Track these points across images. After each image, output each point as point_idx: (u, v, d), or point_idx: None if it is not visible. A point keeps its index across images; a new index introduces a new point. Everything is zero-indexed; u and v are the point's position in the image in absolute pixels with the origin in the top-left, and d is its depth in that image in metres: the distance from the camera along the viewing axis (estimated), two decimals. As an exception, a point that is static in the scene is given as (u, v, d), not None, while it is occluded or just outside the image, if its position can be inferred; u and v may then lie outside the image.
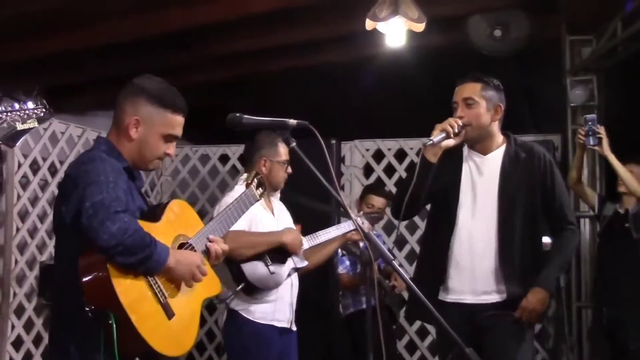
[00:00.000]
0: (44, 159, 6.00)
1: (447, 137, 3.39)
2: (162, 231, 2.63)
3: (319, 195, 5.85)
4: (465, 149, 3.58)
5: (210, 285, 2.86)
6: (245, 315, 3.85)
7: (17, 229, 5.75)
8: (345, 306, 5.38)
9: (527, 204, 3.49)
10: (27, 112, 2.01)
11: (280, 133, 2.74)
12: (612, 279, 3.51)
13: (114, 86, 6.62)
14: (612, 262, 3.36)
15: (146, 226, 2.52)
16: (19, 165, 5.77)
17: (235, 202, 3.10)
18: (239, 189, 3.82)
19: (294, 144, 2.72)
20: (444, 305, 3.39)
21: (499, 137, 3.58)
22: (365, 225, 4.27)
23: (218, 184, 6.95)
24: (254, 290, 3.82)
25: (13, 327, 5.70)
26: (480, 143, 3.55)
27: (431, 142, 3.37)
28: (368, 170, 6.64)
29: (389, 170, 6.55)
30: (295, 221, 4.16)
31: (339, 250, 5.19)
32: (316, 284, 5.66)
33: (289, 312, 3.97)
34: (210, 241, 2.83)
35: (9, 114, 1.94)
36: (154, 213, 2.70)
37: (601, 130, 4.73)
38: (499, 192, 3.48)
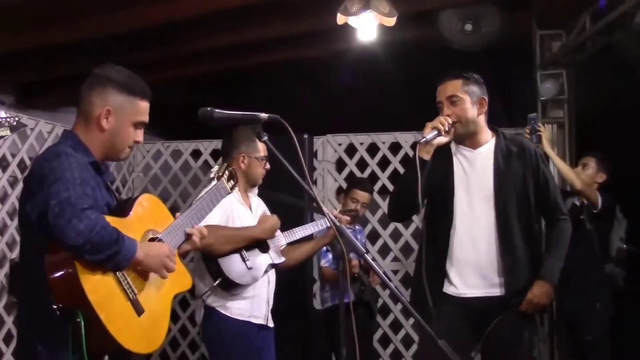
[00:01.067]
0: (13, 155, 5.93)
1: (439, 134, 3.40)
2: (130, 226, 2.60)
3: (292, 190, 5.84)
4: (453, 145, 3.59)
5: (180, 280, 2.84)
6: (222, 312, 3.82)
7: (-13, 227, 5.66)
8: (324, 300, 5.36)
9: (521, 196, 3.52)
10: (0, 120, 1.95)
11: (252, 127, 2.72)
12: (570, 270, 3.62)
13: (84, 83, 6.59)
14: (569, 254, 3.48)
15: (114, 221, 2.49)
16: (-12, 163, 5.69)
17: (207, 194, 3.08)
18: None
19: (265, 137, 2.72)
20: (448, 300, 3.44)
21: (487, 131, 3.60)
22: (343, 219, 4.25)
23: (190, 180, 6.91)
24: (231, 286, 3.79)
25: (-18, 325, 5.61)
26: (469, 138, 3.57)
27: (425, 139, 3.39)
28: (340, 165, 6.64)
29: (361, 164, 6.56)
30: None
31: None
32: (292, 279, 5.69)
33: (266, 308, 3.95)
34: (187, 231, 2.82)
35: None
36: (123, 208, 2.67)
37: (541, 128, 4.99)
38: (494, 186, 3.50)
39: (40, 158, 2.61)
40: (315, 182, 6.50)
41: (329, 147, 6.61)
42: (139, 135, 2.78)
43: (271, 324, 4.00)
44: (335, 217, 4.15)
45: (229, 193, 3.23)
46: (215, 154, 6.80)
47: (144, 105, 2.77)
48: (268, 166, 4.03)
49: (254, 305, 3.88)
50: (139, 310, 2.56)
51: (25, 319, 2.63)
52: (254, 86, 7.13)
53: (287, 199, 5.13)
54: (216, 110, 2.67)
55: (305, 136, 6.00)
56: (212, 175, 3.42)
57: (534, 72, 6.12)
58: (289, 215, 4.41)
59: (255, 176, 4.02)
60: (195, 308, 4.05)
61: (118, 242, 2.43)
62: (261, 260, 3.91)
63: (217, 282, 3.76)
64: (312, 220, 5.81)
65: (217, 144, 6.70)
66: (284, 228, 4.13)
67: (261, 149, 4.00)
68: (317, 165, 6.56)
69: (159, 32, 5.63)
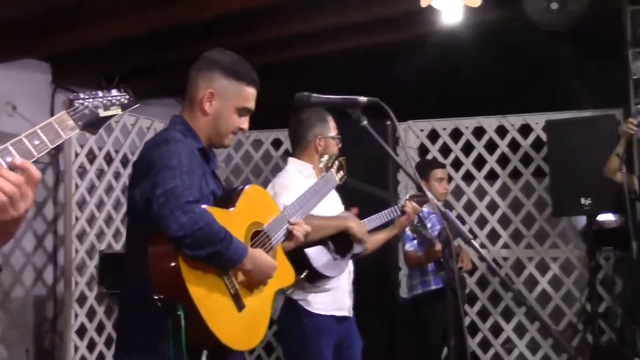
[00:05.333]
0: (100, 148, 5.98)
1: None
2: (235, 219, 2.53)
3: (371, 179, 5.76)
4: None
5: (283, 275, 2.77)
6: (304, 307, 3.65)
7: (76, 219, 5.73)
8: (412, 287, 5.23)
9: None
10: (110, 99, 1.92)
11: (351, 111, 2.58)
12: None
13: (166, 75, 6.61)
14: None
15: (220, 213, 2.43)
16: (76, 155, 5.75)
17: (315, 185, 3.01)
18: (292, 168, 3.77)
19: (365, 122, 2.58)
20: None
21: None
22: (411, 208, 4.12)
23: (271, 169, 6.85)
24: (318, 278, 3.62)
25: (76, 315, 5.70)
26: None
27: None
28: (423, 151, 6.50)
29: (444, 150, 6.39)
30: (349, 205, 3.99)
31: (406, 230, 5.09)
32: (376, 267, 5.60)
33: (348, 299, 3.82)
34: (291, 224, 2.75)
35: (92, 100, 1.85)
36: (229, 199, 2.61)
37: None
38: None
39: (149, 144, 2.57)
40: (398, 169, 6.32)
41: (411, 133, 6.47)
42: (244, 122, 2.72)
43: (351, 314, 3.85)
44: (402, 207, 4.10)
45: (338, 184, 3.14)
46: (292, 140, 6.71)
47: (250, 91, 2.71)
48: (340, 145, 3.88)
49: (337, 297, 3.72)
50: (239, 305, 2.50)
51: (126, 307, 2.61)
52: (333, 73, 7.01)
53: (370, 188, 5.04)
54: (313, 94, 2.58)
55: (388, 123, 5.82)
56: (321, 165, 3.37)
57: (625, 50, 5.84)
58: (369, 204, 4.30)
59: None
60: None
61: (223, 241, 2.36)
62: (345, 250, 3.76)
63: (304, 274, 3.56)
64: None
65: None
66: (363, 216, 3.99)
67: (333, 127, 3.85)
68: (400, 152, 6.40)
69: (232, 22, 5.57)
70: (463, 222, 6.28)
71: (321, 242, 3.63)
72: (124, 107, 1.97)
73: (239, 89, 2.68)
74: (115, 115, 1.93)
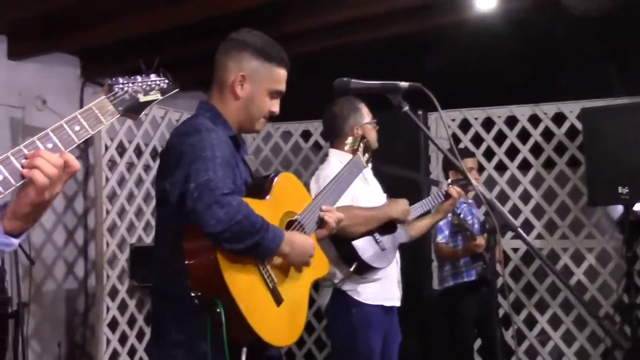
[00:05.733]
0: (129, 142, 5.97)
1: None
2: (270, 208, 2.49)
3: (406, 165, 5.70)
4: None
5: (318, 265, 2.72)
6: (354, 297, 3.62)
7: (107, 212, 5.73)
8: (443, 279, 5.19)
9: None
10: (149, 83, 1.89)
11: (392, 97, 2.52)
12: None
13: (194, 68, 6.58)
14: None
15: (253, 204, 2.37)
16: (106, 149, 5.73)
17: (343, 171, 2.97)
18: (334, 159, 3.74)
19: (406, 108, 2.53)
20: None
21: None
22: (455, 194, 4.09)
23: (301, 161, 6.83)
24: (367, 270, 3.59)
25: (108, 309, 5.70)
26: None
27: None
28: (454, 142, 6.39)
29: (476, 140, 6.32)
30: (384, 191, 3.96)
31: None
32: (406, 258, 5.55)
33: (397, 289, 3.79)
34: (323, 211, 2.70)
35: (131, 85, 1.83)
36: (261, 188, 2.57)
37: None
38: None
39: (179, 132, 2.49)
40: (429, 159, 6.29)
41: (441, 123, 6.36)
42: (275, 105, 2.66)
43: (399, 304, 3.83)
44: (447, 192, 4.08)
45: (365, 167, 3.13)
46: (326, 134, 6.65)
47: (281, 72, 2.64)
48: (377, 128, 3.85)
49: (385, 287, 3.70)
50: (278, 300, 2.46)
51: (160, 303, 2.54)
52: (361, 63, 6.95)
53: (406, 173, 4.98)
54: (352, 80, 2.53)
55: (420, 112, 5.80)
56: (346, 148, 3.33)
57: (661, 34, 5.73)
58: (405, 190, 4.24)
59: (373, 141, 3.84)
60: (320, 294, 3.85)
61: (260, 231, 2.31)
62: (392, 240, 3.75)
63: (353, 267, 3.54)
64: (428, 194, 5.66)
65: None
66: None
67: (366, 112, 3.83)
68: (431, 142, 6.32)
69: (259, 13, 5.52)
70: (506, 198, 6.20)
71: (368, 232, 3.62)
72: (163, 91, 1.94)
73: (270, 71, 2.61)
74: (155, 100, 1.90)
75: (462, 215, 4.86)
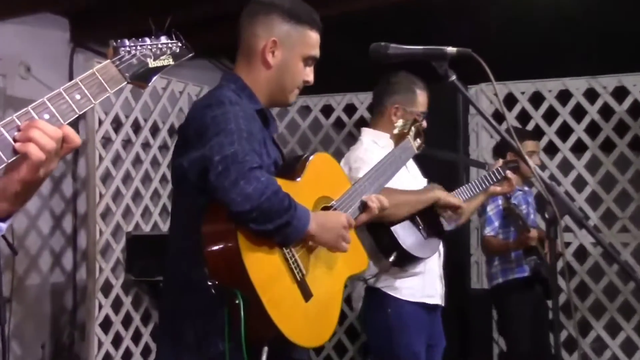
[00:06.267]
0: (126, 116, 6.03)
1: None
2: (302, 192, 2.52)
3: (441, 145, 5.74)
4: None
5: (355, 259, 2.76)
6: (390, 293, 3.65)
7: (100, 195, 5.81)
8: (492, 276, 5.25)
9: None
10: (160, 46, 1.89)
11: (437, 65, 2.56)
12: None
13: (199, 34, 6.62)
14: None
15: (284, 185, 2.42)
16: (100, 123, 5.80)
17: (391, 155, 3.02)
18: (368, 139, 3.80)
19: (453, 77, 2.58)
20: None
21: None
22: (513, 179, 4.10)
23: (321, 140, 6.92)
24: (408, 261, 3.59)
25: (100, 306, 5.77)
26: None
27: None
28: (498, 118, 6.43)
29: (523, 117, 6.38)
30: (430, 175, 4.02)
31: (487, 208, 5.13)
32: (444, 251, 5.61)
33: (440, 285, 3.83)
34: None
35: (140, 48, 1.82)
36: (293, 169, 2.61)
37: None
38: None
39: (201, 104, 2.55)
40: (467, 139, 6.35)
41: (483, 97, 6.44)
42: (310, 74, 2.71)
43: (443, 303, 3.87)
44: (505, 175, 4.06)
45: (415, 153, 3.18)
46: (349, 110, 6.78)
47: (314, 36, 2.70)
48: (425, 124, 3.75)
49: (426, 282, 3.72)
50: (306, 294, 2.48)
51: (172, 295, 2.59)
52: (392, 30, 6.98)
53: (447, 155, 5.02)
54: (391, 45, 2.55)
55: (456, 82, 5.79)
56: (395, 131, 3.36)
57: None
58: (441, 175, 4.29)
59: None
60: (352, 291, 3.88)
61: (289, 210, 2.35)
62: (435, 227, 3.76)
63: (393, 257, 3.54)
64: (467, 178, 5.71)
65: (351, 97, 6.72)
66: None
67: (420, 103, 3.84)
68: (470, 120, 6.41)
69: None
70: (544, 201, 6.22)
71: (408, 218, 3.62)
72: (175, 56, 1.93)
73: (303, 35, 2.66)
74: (167, 66, 1.91)
75: (516, 204, 4.90)
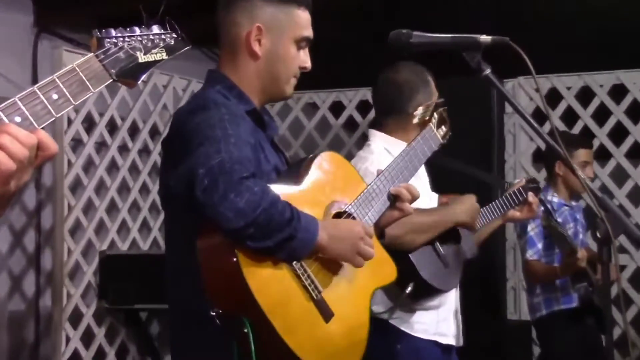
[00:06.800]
0: (101, 114, 6.01)
1: None
2: (308, 198, 2.56)
3: (471, 151, 5.69)
4: None
5: (381, 269, 2.78)
6: (401, 328, 3.61)
7: (69, 207, 5.79)
8: (534, 307, 5.20)
9: None
10: (152, 38, 1.90)
11: (469, 55, 2.52)
12: None
13: (186, 19, 6.57)
14: None
15: (286, 193, 2.45)
16: (69, 123, 5.76)
17: (410, 149, 3.03)
18: (378, 145, 3.74)
19: (487, 71, 2.55)
20: None
21: None
22: (535, 203, 4.06)
23: (330, 142, 6.96)
24: (425, 293, 3.56)
25: (68, 339, 5.75)
26: None
27: None
28: (539, 118, 6.38)
29: (569, 117, 6.36)
30: (441, 191, 3.90)
31: (528, 228, 5.08)
32: (474, 278, 5.57)
33: (454, 322, 3.79)
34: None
35: (128, 39, 1.83)
36: (296, 173, 2.63)
37: None
38: None
39: (182, 112, 2.62)
40: (503, 142, 6.33)
41: (522, 93, 6.43)
42: (306, 57, 2.76)
43: (461, 342, 3.83)
44: (525, 197, 4.03)
45: (441, 144, 3.19)
46: (363, 108, 6.76)
47: (303, 14, 2.74)
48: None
49: (441, 317, 3.69)
50: (326, 314, 2.50)
51: (175, 330, 2.67)
52: (416, 14, 6.95)
53: (475, 172, 4.96)
54: (414, 32, 2.54)
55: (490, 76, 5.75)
56: (415, 121, 3.36)
57: None
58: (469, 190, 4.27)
59: None
60: None
61: (292, 222, 2.36)
62: (455, 254, 3.72)
63: (409, 288, 3.48)
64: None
65: (365, 93, 6.68)
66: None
67: (435, 92, 3.78)
68: (507, 120, 6.38)
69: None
70: (594, 215, 6.18)
71: (427, 242, 3.58)
72: (170, 50, 1.94)
73: (290, 15, 2.70)
74: (159, 61, 1.90)
75: (561, 222, 4.86)
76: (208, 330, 2.38)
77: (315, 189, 2.62)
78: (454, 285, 3.71)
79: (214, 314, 2.34)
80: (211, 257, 2.37)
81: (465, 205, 3.68)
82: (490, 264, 5.74)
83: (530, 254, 5.10)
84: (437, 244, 3.61)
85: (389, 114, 3.83)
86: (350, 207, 2.69)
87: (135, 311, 6.02)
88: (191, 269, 2.40)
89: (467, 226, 3.70)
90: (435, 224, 3.57)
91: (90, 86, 1.68)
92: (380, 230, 2.88)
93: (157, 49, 1.90)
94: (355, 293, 2.65)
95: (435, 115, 3.28)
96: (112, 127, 6.15)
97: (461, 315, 3.85)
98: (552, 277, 5.04)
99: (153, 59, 1.88)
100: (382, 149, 3.70)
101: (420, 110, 3.38)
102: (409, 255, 3.48)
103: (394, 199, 2.83)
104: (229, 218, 2.29)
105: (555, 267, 5.02)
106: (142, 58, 1.84)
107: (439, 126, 3.27)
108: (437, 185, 3.92)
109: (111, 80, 1.75)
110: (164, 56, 1.91)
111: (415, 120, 3.36)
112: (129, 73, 1.80)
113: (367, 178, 3.27)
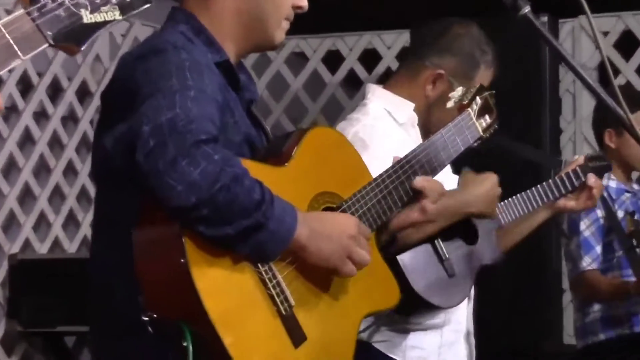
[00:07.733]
0: (10, 71, 5.89)
1: None
2: (290, 182, 2.59)
3: (520, 114, 5.67)
4: None
5: (379, 288, 2.81)
6: (386, 354, 3.59)
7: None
8: (586, 329, 5.17)
9: None
10: None
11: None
12: None
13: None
14: None
15: (261, 171, 2.47)
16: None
17: (438, 137, 3.09)
18: (377, 105, 3.71)
19: (527, 9, 2.60)
20: None
21: None
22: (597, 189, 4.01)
23: (323, 107, 7.02)
24: (417, 309, 3.56)
25: (-32, 371, 5.83)
26: None
27: None
28: (600, 77, 6.36)
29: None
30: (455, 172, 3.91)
31: (581, 225, 5.04)
32: (513, 288, 5.51)
33: (466, 347, 3.78)
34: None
35: None
36: (278, 149, 2.67)
37: None
38: None
39: (130, 57, 2.65)
40: (559, 105, 6.36)
41: (584, 38, 6.42)
42: None
43: None
44: (583, 181, 3.98)
45: (481, 137, 3.24)
46: (368, 59, 6.77)
47: None
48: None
49: (445, 339, 3.68)
50: (296, 336, 2.50)
51: (96, 343, 2.74)
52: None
53: (519, 148, 4.91)
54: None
55: (545, 19, 5.78)
56: (450, 104, 3.33)
57: None
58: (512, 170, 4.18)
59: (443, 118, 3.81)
60: None
61: (261, 206, 2.36)
62: (467, 257, 3.67)
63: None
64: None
65: (371, 39, 6.75)
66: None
67: (481, 77, 3.72)
68: (563, 74, 6.33)
69: None
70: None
71: (425, 239, 3.53)
72: (124, 7, 1.92)
73: None
74: (111, 22, 1.89)
75: (621, 215, 4.89)
76: (140, 339, 2.38)
77: (302, 174, 2.64)
78: (459, 301, 3.66)
79: (147, 318, 2.33)
80: (149, 244, 2.41)
81: (481, 189, 3.62)
82: (540, 270, 5.83)
83: (588, 262, 5.06)
84: (439, 242, 3.56)
85: (404, 63, 3.93)
86: (347, 203, 2.72)
87: (59, 335, 6.04)
88: (124, 264, 2.40)
89: (484, 217, 3.65)
90: (440, 212, 3.41)
91: (19, 52, 1.71)
92: (390, 235, 2.94)
93: (108, 5, 1.89)
94: (339, 314, 2.67)
95: (478, 100, 3.28)
96: (26, 87, 6.18)
97: (483, 341, 3.87)
98: (620, 295, 5.01)
99: (102, 19, 1.88)
100: (381, 110, 3.70)
101: (459, 91, 3.37)
102: (397, 257, 3.43)
103: (414, 196, 2.83)
104: (178, 192, 2.28)
105: (627, 282, 4.99)
106: (87, 17, 1.85)
107: (481, 115, 3.29)
108: (461, 165, 3.83)
109: (47, 45, 1.77)
110: (117, 16, 1.90)
111: (450, 104, 3.34)
112: (71, 36, 1.83)
113: (355, 146, 3.24)
